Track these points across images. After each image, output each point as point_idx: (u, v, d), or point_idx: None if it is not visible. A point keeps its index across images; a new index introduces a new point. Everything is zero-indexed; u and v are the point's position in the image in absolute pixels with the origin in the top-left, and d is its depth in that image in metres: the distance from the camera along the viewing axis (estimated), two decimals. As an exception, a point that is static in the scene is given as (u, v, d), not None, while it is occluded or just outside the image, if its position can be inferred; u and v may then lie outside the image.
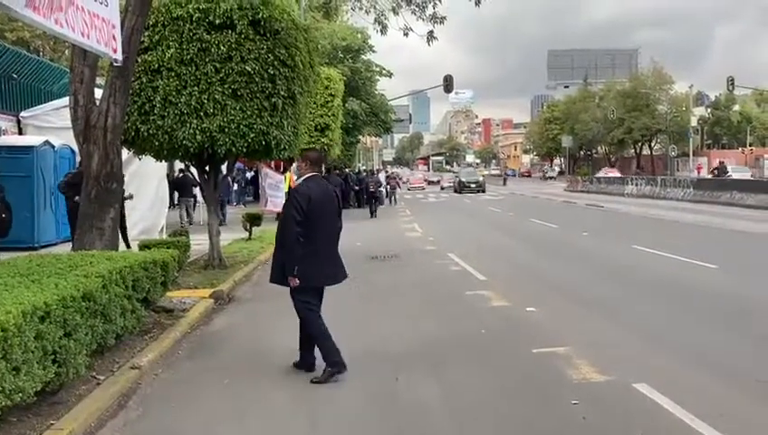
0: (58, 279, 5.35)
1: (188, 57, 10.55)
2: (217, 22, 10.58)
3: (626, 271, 11.38)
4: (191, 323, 8.15)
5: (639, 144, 75.03)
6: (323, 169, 29.16)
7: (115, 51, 6.98)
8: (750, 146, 70.85)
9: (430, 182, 73.12)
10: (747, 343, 6.76)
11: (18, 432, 4.59)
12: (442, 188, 58.74)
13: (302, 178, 6.03)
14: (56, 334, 4.77)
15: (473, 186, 48.65)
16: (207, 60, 10.57)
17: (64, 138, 13.59)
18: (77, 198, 9.04)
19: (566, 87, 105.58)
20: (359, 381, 5.85)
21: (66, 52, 28.66)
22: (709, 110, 77.29)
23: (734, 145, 77.68)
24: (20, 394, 4.27)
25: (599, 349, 6.52)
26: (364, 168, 55.16)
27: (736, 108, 77.29)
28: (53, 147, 14.09)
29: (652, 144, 76.47)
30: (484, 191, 47.52)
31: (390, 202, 35.59)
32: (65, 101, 11.42)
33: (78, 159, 10.66)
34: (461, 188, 49.43)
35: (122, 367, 6.17)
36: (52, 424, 4.77)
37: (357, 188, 32.72)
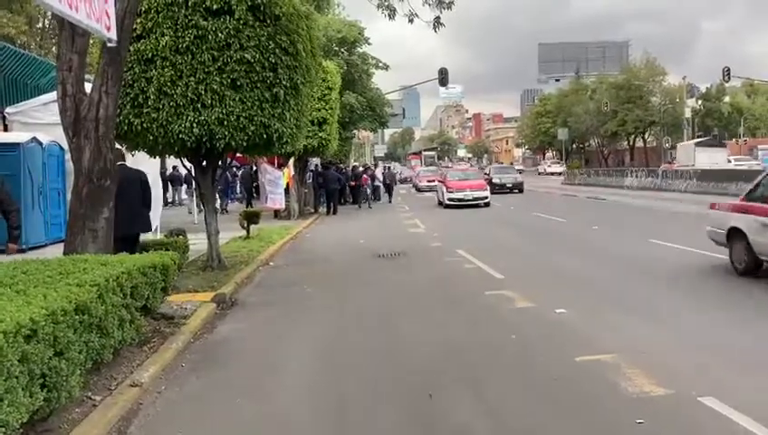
0: (47, 289, 4.68)
1: (184, 45, 9.88)
2: (214, 7, 9.90)
3: (649, 267, 10.78)
4: (193, 331, 7.50)
5: (633, 136, 74.84)
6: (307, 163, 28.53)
7: (108, 29, 6.29)
8: (742, 137, 70.63)
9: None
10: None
11: (3, 471, 3.93)
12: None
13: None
14: (45, 355, 4.11)
15: (509, 186, 36.36)
16: (204, 48, 9.89)
17: (53, 134, 12.86)
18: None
19: (557, 80, 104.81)
20: (392, 398, 5.22)
21: (53, 48, 27.82)
22: (700, 101, 77.01)
23: (725, 136, 77.45)
24: (2, 429, 3.61)
25: (649, 356, 5.90)
26: (356, 163, 54.47)
27: (727, 99, 77.07)
28: (41, 144, 13.35)
29: (645, 136, 76.36)
30: (521, 191, 36.26)
31: (390, 199, 34.94)
32: (53, 96, 10.69)
33: (68, 156, 9.96)
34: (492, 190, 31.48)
35: (121, 384, 5.52)
36: (42, 459, 4.12)
37: (353, 183, 32.08)
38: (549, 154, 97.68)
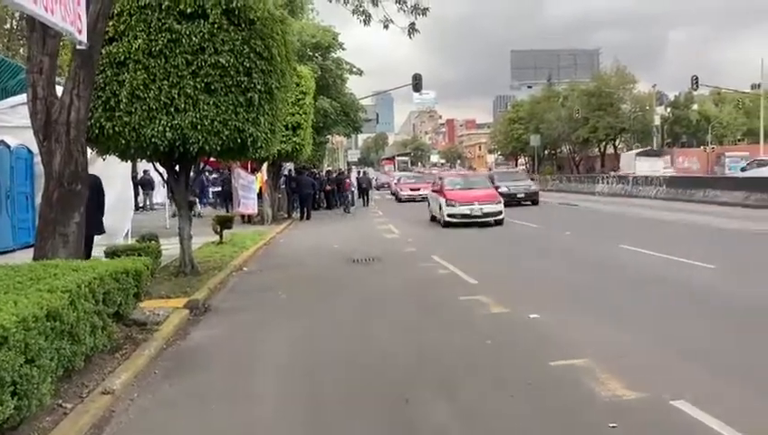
0: (17, 295, 4.59)
1: (157, 48, 9.80)
2: (188, 10, 9.84)
3: (621, 272, 10.93)
4: (166, 337, 7.41)
5: (604, 143, 75.89)
6: (293, 169, 28.44)
7: (80, 31, 6.20)
8: (710, 144, 72.04)
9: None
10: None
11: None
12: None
13: None
14: (16, 362, 4.04)
15: (519, 196, 28.54)
16: (178, 51, 9.82)
17: (21, 137, 12.67)
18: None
19: (529, 87, 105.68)
20: (366, 404, 5.22)
21: (21, 50, 27.32)
22: (669, 109, 78.42)
23: (693, 143, 78.91)
24: (-28, 439, 3.54)
25: (621, 360, 5.99)
26: (330, 168, 54.34)
27: (695, 107, 78.59)
28: (9, 147, 13.12)
29: (616, 143, 77.49)
30: (536, 203, 28.98)
31: (364, 203, 34.97)
32: (22, 98, 10.53)
33: (37, 159, 9.80)
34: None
35: (93, 392, 5.44)
36: (11, 469, 4.04)
37: (329, 187, 32.06)
38: (521, 160, 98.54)
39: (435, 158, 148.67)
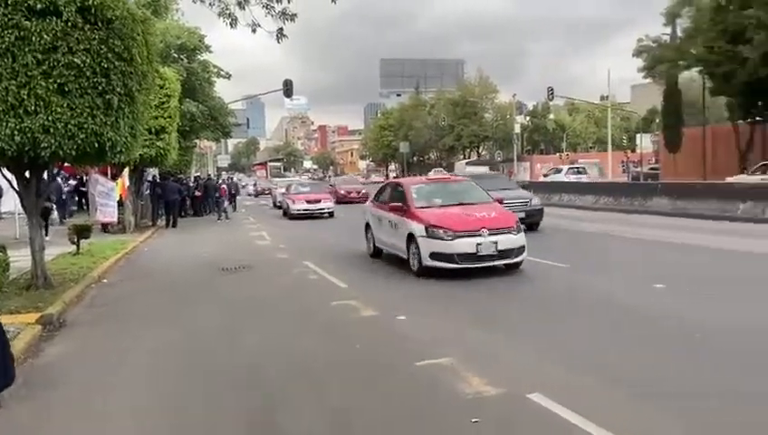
0: None
1: (4, 47, 9.08)
2: (39, 6, 9.19)
3: (480, 274, 11.40)
4: (16, 355, 6.88)
5: (468, 150, 79.32)
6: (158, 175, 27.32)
7: None
8: (564, 151, 77.20)
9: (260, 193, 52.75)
10: (620, 339, 6.85)
11: None
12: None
13: None
14: None
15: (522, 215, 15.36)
16: (27, 50, 9.15)
17: None
18: None
19: (398, 95, 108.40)
20: (235, 414, 5.13)
21: None
22: (528, 118, 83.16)
23: (550, 151, 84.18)
24: None
25: (482, 358, 6.28)
26: (198, 174, 52.80)
27: (552, 117, 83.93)
28: None
29: (480, 150, 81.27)
30: (536, 226, 17.97)
31: (234, 209, 34.24)
32: None
33: None
34: None
35: (-73, 420, 4.96)
36: None
37: (198, 193, 31.14)
38: (392, 166, 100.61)
39: (308, 163, 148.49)
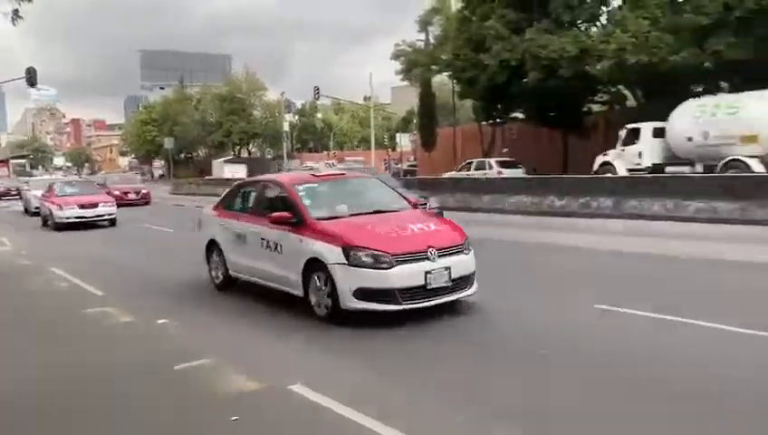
0: None
1: None
2: None
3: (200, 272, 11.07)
4: None
5: (239, 147, 78.25)
6: None
7: None
8: (332, 150, 79.69)
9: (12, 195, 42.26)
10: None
11: None
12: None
13: None
14: None
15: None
16: None
17: None
18: None
19: (162, 88, 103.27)
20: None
21: None
22: (296, 116, 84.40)
23: (319, 149, 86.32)
24: None
25: (244, 356, 6.26)
26: None
27: (319, 116, 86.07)
28: None
29: (250, 147, 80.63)
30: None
31: None
32: None
33: None
34: None
35: None
36: None
37: None
38: (156, 163, 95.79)
39: (59, 160, 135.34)
